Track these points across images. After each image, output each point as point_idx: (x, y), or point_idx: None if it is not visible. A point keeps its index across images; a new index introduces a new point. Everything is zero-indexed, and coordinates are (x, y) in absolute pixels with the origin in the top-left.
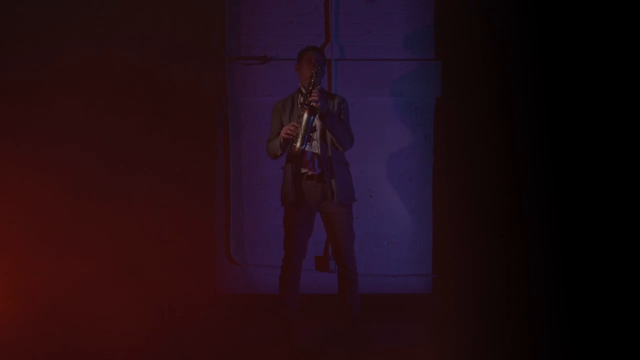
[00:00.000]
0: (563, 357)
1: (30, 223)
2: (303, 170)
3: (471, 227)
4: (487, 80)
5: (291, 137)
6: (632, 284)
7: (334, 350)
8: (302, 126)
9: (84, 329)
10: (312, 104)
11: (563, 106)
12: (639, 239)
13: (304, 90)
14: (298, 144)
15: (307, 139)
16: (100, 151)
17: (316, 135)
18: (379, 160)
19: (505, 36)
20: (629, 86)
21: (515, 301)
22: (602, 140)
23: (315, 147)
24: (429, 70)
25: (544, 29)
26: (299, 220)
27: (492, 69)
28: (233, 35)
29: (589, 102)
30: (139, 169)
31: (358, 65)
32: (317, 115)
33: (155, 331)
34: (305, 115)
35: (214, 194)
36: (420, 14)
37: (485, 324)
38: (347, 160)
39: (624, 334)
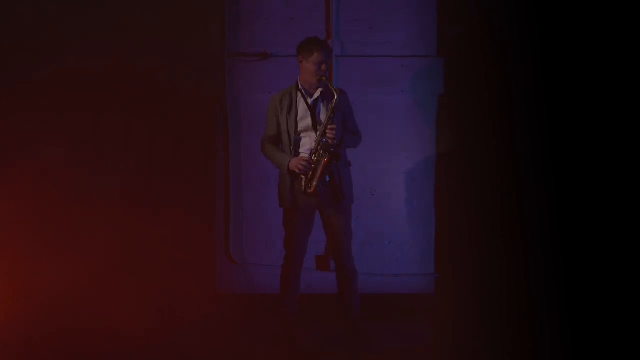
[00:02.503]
0: (563, 357)
1: (31, 223)
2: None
3: (471, 227)
4: (489, 78)
5: (303, 174)
6: (632, 284)
7: (334, 351)
8: (320, 171)
9: (84, 329)
10: (330, 137)
11: (563, 106)
12: (639, 239)
13: (306, 95)
14: (313, 187)
15: (322, 184)
16: (99, 151)
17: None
18: (380, 159)
19: (508, 34)
20: (629, 86)
21: (515, 301)
22: (602, 140)
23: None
24: (432, 68)
25: (546, 28)
26: (298, 221)
27: (495, 67)
28: (233, 32)
29: (589, 102)
30: (139, 168)
31: (359, 62)
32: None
33: (155, 331)
34: (324, 162)
35: (214, 192)
36: (422, 10)
37: (486, 324)
38: (349, 160)
39: (624, 334)
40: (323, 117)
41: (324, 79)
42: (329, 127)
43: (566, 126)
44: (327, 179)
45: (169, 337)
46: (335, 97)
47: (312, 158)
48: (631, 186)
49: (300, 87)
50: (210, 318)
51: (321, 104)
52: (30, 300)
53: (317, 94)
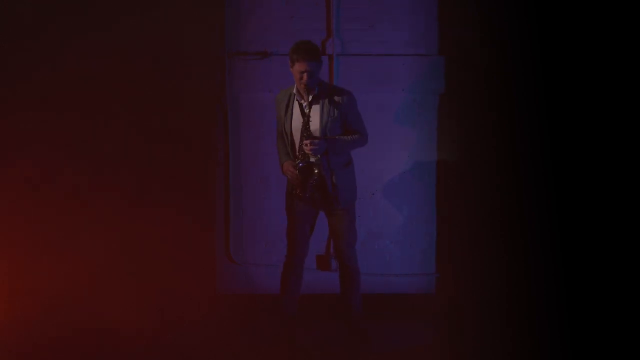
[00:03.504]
0: (563, 357)
1: (31, 224)
2: None
3: (471, 226)
4: (490, 78)
5: (293, 181)
6: (632, 284)
7: (334, 351)
8: (300, 183)
9: (84, 329)
10: (307, 152)
11: (563, 106)
12: (639, 239)
13: (299, 98)
14: (298, 196)
15: (309, 189)
16: (99, 151)
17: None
18: (381, 158)
19: (509, 33)
20: (629, 85)
21: (515, 301)
22: (602, 140)
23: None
24: (433, 67)
25: (547, 27)
26: (301, 218)
27: (495, 67)
28: (233, 31)
29: (590, 102)
30: (138, 168)
31: (360, 61)
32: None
33: (155, 331)
34: (302, 178)
35: (214, 192)
36: (423, 8)
37: (486, 324)
38: (350, 159)
39: (624, 334)
40: (316, 120)
41: (305, 90)
42: (304, 142)
43: (566, 126)
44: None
45: (169, 337)
46: (307, 116)
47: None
48: (631, 186)
49: (294, 90)
50: (210, 318)
51: (316, 107)
52: (30, 300)
53: (309, 98)
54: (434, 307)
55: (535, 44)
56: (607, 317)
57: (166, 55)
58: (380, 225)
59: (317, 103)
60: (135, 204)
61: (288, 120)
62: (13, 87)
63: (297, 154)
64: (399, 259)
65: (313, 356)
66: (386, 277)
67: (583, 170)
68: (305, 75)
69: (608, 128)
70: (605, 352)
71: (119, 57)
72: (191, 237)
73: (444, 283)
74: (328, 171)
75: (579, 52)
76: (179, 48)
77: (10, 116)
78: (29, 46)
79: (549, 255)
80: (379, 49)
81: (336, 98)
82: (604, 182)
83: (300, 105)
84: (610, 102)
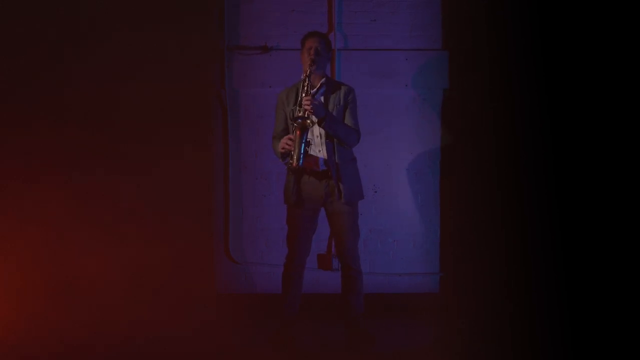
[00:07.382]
0: (563, 357)
1: (31, 224)
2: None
3: (476, 224)
4: (494, 72)
5: (289, 151)
6: (632, 284)
7: (335, 352)
8: (296, 144)
9: (84, 329)
10: (306, 108)
11: (569, 103)
12: (639, 239)
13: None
14: (294, 162)
15: (302, 156)
16: (97, 149)
17: (318, 131)
18: (383, 155)
19: (513, 27)
20: (632, 83)
21: (516, 301)
22: (606, 138)
23: (318, 144)
24: (436, 61)
25: (551, 21)
26: (302, 218)
27: (500, 61)
28: (232, 24)
29: (595, 99)
30: (136, 166)
31: (362, 56)
32: (312, 126)
33: (155, 330)
34: (298, 133)
35: (213, 189)
36: (427, 2)
37: (489, 322)
38: (354, 156)
39: (624, 334)
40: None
41: (311, 64)
42: (304, 98)
43: (571, 123)
44: (307, 150)
45: (169, 336)
46: (307, 72)
47: (293, 134)
48: (632, 185)
49: (303, 76)
50: (210, 318)
51: (324, 95)
52: (30, 300)
53: (318, 85)
54: (438, 307)
55: (539, 38)
56: (607, 318)
57: (165, 50)
58: (383, 223)
59: (325, 92)
60: (134, 203)
61: (295, 107)
62: (13, 90)
63: (297, 109)
64: (402, 258)
65: (314, 356)
66: (389, 277)
67: (587, 168)
68: (312, 50)
69: (612, 125)
70: (605, 352)
71: (117, 54)
72: (190, 236)
73: (447, 282)
74: (334, 164)
75: (583, 48)
76: (178, 42)
77: (9, 119)
78: (28, 49)
79: (551, 255)
80: (382, 43)
81: (342, 89)
82: (607, 180)
83: (309, 92)
84: (613, 98)
